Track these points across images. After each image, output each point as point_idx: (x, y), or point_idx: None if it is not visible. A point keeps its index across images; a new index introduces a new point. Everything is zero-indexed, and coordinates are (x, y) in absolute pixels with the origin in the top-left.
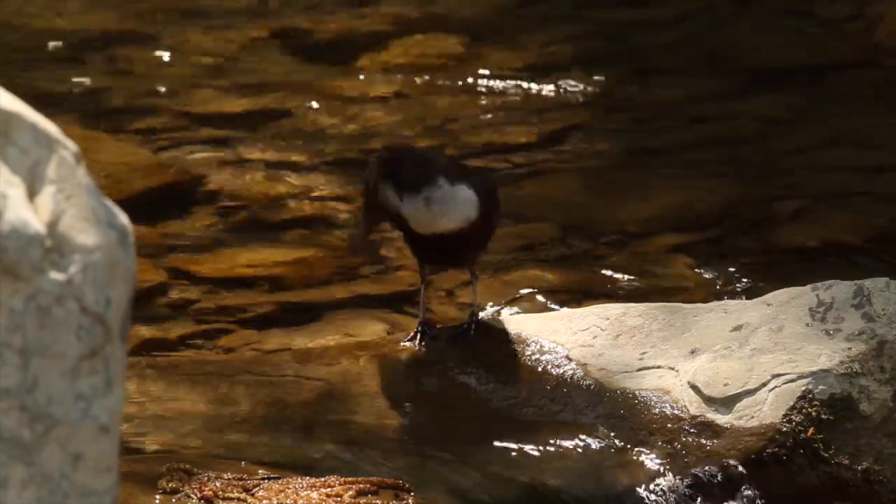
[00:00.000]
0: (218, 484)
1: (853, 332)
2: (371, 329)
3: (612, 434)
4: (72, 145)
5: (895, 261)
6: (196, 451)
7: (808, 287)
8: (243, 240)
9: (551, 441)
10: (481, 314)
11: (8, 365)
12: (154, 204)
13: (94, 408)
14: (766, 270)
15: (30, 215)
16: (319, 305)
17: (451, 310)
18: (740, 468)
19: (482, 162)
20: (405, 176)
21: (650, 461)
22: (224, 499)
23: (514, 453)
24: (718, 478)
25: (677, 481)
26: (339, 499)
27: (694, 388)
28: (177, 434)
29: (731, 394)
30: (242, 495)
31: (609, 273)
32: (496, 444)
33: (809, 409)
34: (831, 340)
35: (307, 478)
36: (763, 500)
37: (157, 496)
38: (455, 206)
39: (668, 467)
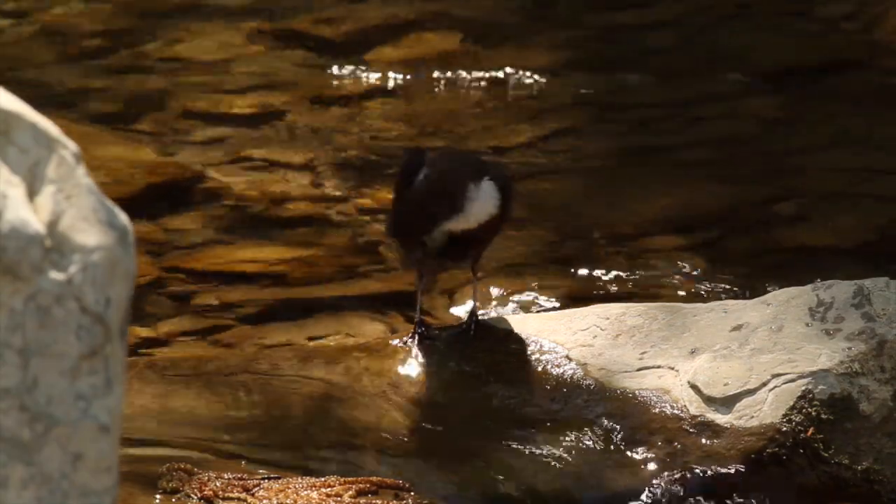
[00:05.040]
0: (218, 484)
1: (853, 332)
2: (371, 328)
3: (612, 434)
4: (72, 145)
5: (895, 261)
6: (196, 450)
7: (808, 287)
8: (244, 238)
9: (551, 441)
10: (481, 314)
11: (8, 365)
12: (154, 203)
13: (94, 408)
14: (766, 270)
15: (30, 215)
16: (320, 304)
17: (451, 310)
18: (740, 468)
19: None
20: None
21: (650, 461)
22: (224, 499)
23: (513, 453)
24: (718, 478)
25: (677, 481)
26: (339, 499)
27: (694, 387)
28: (177, 434)
29: (731, 394)
30: (242, 495)
31: (609, 273)
32: (496, 443)
33: (809, 409)
34: (831, 340)
35: (307, 478)
36: (763, 500)
37: (157, 496)
38: (481, 203)
39: (668, 467)
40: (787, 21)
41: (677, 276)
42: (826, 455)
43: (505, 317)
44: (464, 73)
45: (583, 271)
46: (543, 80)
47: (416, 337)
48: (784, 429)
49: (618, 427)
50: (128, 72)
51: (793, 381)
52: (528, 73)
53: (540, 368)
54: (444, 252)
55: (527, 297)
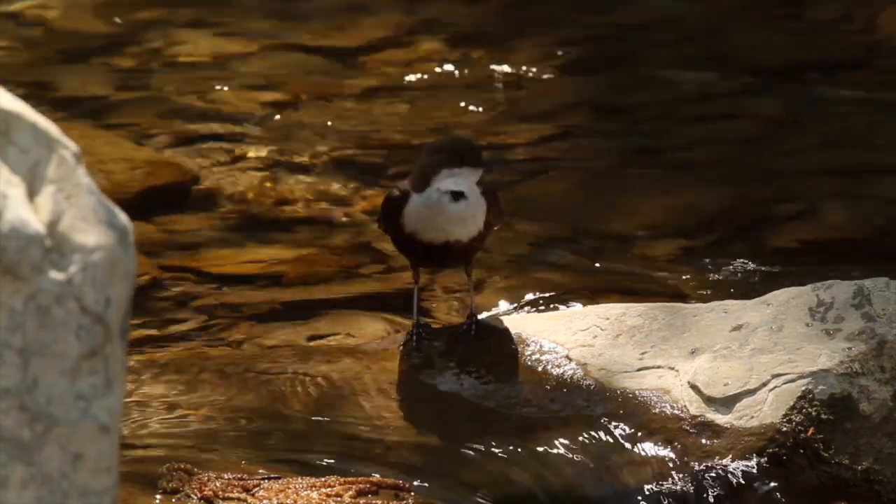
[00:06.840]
0: (218, 484)
1: (853, 332)
2: (372, 328)
3: (612, 434)
4: (72, 145)
5: (895, 261)
6: (196, 450)
7: (808, 287)
8: (244, 238)
9: (551, 441)
10: (481, 314)
11: (8, 365)
12: (155, 203)
13: (94, 408)
14: (766, 270)
15: (30, 215)
16: (320, 304)
17: (452, 311)
18: (740, 468)
19: None
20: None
21: (650, 461)
22: (224, 499)
23: (514, 453)
24: (718, 478)
25: (677, 481)
26: (339, 499)
27: (694, 387)
28: (177, 433)
29: (731, 394)
30: (242, 495)
31: (609, 273)
32: (496, 443)
33: (809, 409)
34: (831, 340)
35: (307, 478)
36: (763, 500)
37: (157, 496)
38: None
39: (667, 467)
40: (787, 21)
41: (677, 277)
42: (826, 455)
43: (505, 317)
44: (463, 75)
45: (583, 271)
46: (544, 80)
47: (415, 338)
48: (784, 429)
49: (618, 427)
50: (129, 71)
51: (793, 381)
52: (528, 74)
53: (540, 368)
54: (441, 262)
55: (527, 296)
